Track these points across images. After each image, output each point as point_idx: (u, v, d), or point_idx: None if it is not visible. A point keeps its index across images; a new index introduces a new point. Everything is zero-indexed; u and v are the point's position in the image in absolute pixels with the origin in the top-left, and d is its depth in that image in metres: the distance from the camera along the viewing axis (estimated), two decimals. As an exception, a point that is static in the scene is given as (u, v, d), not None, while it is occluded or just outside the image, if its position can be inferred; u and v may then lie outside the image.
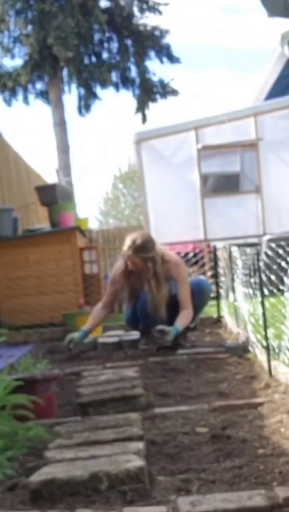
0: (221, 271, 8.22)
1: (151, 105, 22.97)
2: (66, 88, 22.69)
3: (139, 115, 22.90)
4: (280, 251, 4.64)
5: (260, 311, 4.72)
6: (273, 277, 4.78)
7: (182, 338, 5.99)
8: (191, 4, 64.30)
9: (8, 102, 22.24)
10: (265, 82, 14.99)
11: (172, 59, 22.93)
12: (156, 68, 58.92)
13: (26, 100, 22.53)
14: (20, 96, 22.42)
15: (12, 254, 9.03)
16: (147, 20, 22.89)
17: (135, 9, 22.62)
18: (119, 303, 12.18)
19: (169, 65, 23.12)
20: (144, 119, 22.71)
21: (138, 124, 23.07)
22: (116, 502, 2.32)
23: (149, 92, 22.78)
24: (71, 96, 53.18)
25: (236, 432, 3.10)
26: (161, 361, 5.37)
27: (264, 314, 4.58)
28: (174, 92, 22.96)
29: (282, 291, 4.51)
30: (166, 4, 22.84)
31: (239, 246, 6.43)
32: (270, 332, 4.62)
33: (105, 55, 23.04)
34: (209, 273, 10.82)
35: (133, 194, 41.30)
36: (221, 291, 8.17)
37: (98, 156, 67.45)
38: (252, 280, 5.20)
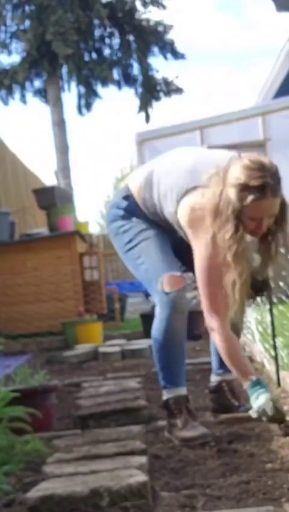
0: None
1: (154, 103, 22.97)
2: (65, 86, 22.71)
3: (142, 114, 22.92)
4: (290, 256, 4.64)
5: (268, 319, 4.73)
6: (281, 283, 4.79)
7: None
8: (191, 2, 64.61)
9: (5, 101, 22.25)
10: (273, 80, 15.02)
11: (176, 55, 22.93)
12: (160, 66, 58.99)
13: (23, 98, 22.55)
14: (17, 95, 22.43)
15: (9, 260, 9.05)
16: (150, 15, 22.92)
17: (138, 4, 22.63)
18: (121, 308, 12.14)
19: (173, 62, 23.14)
20: (147, 119, 22.72)
21: (141, 124, 23.09)
22: (118, 518, 2.33)
23: (152, 90, 22.79)
24: (70, 95, 53.33)
25: (243, 446, 3.10)
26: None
27: (272, 323, 4.58)
28: (178, 90, 22.97)
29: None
30: (170, -2, 22.90)
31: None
32: (279, 341, 4.63)
33: (106, 52, 23.05)
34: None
35: (135, 196, 41.26)
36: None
37: (99, 158, 67.51)
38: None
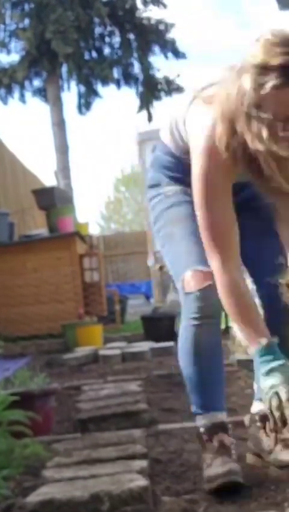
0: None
1: (155, 103, 22.96)
2: (65, 86, 22.73)
3: (143, 114, 22.90)
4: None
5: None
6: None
7: None
8: (192, 1, 64.88)
9: (4, 100, 22.25)
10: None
11: (177, 54, 22.93)
12: (161, 65, 59.12)
13: (22, 98, 22.56)
14: (17, 94, 22.44)
15: (8, 261, 9.06)
16: (151, 13, 22.93)
17: (138, 2, 22.64)
18: (121, 310, 12.12)
19: (174, 61, 23.14)
20: (149, 118, 22.70)
21: (142, 124, 23.10)
22: (118, 523, 2.32)
23: (153, 89, 22.79)
24: (70, 94, 53.64)
25: (246, 450, 3.10)
26: (166, 375, 5.38)
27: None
28: (180, 89, 22.95)
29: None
30: (171, -4, 22.95)
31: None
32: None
33: (106, 50, 23.05)
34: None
35: (136, 197, 41.33)
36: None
37: (99, 158, 67.62)
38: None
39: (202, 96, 2.52)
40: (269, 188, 2.34)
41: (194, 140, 2.52)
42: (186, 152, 2.62)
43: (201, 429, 2.69)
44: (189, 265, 2.66)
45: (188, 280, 2.64)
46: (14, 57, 25.81)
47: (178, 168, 2.76)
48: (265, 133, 2.21)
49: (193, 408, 2.75)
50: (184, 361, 2.73)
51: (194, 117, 2.54)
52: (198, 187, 2.48)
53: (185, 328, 2.70)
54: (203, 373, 2.69)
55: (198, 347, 2.67)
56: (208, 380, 2.70)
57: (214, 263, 2.49)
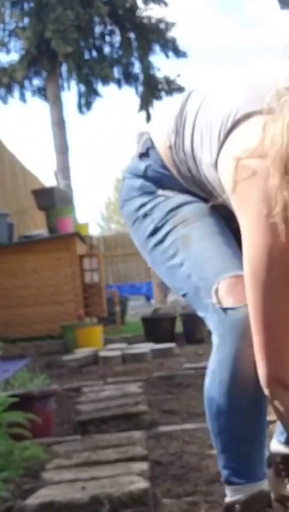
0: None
1: (155, 102, 22.97)
2: (65, 85, 22.73)
3: (143, 113, 22.91)
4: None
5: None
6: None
7: None
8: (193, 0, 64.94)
9: (4, 100, 22.25)
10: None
11: (178, 53, 22.91)
12: (161, 64, 59.16)
13: (22, 97, 22.56)
14: (17, 94, 22.44)
15: (7, 262, 9.05)
16: (152, 12, 22.91)
17: (139, 1, 22.64)
18: (122, 311, 12.10)
19: (175, 61, 23.12)
20: (148, 118, 22.70)
21: (141, 124, 23.07)
22: (118, 526, 2.33)
23: (153, 89, 22.78)
24: (70, 94, 53.71)
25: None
26: (166, 376, 5.38)
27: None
28: (180, 89, 22.91)
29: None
30: (172, -5, 22.93)
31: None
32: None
33: (106, 50, 23.04)
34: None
35: (136, 197, 41.31)
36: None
37: (99, 158, 67.60)
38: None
39: (242, 129, 1.83)
40: None
41: (240, 202, 1.82)
42: (188, 175, 2.03)
43: (237, 507, 1.95)
44: (222, 272, 1.93)
45: (226, 291, 1.90)
46: (14, 56, 25.79)
47: (166, 178, 2.09)
48: None
49: (224, 474, 1.99)
50: (217, 407, 2.03)
51: (231, 163, 1.80)
52: (251, 272, 1.80)
53: (221, 363, 1.94)
54: (245, 425, 1.95)
55: (242, 388, 1.93)
56: (249, 434, 1.96)
57: (262, 372, 1.83)
